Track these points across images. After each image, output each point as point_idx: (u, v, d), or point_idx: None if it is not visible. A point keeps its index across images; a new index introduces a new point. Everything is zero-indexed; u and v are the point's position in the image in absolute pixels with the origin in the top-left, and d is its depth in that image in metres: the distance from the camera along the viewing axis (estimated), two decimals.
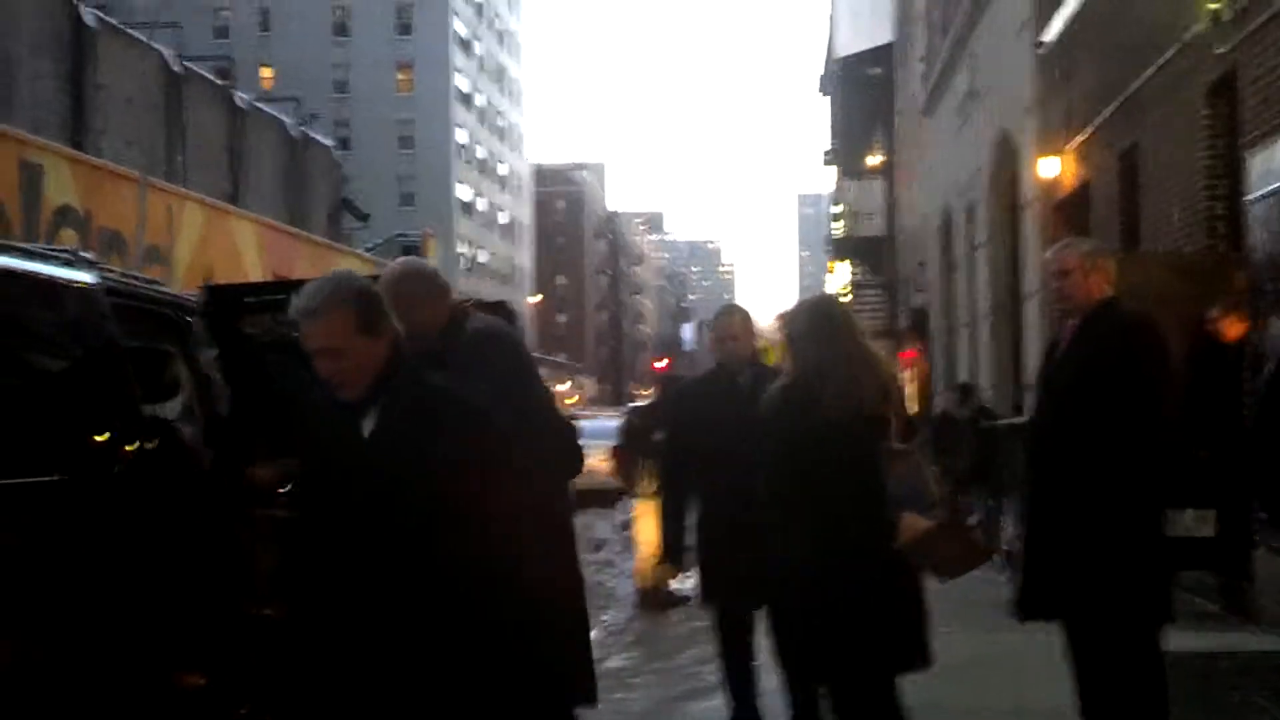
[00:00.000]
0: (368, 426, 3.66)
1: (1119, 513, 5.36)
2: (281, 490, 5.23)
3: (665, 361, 79.62)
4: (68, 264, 5.08)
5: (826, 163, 54.52)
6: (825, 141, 56.51)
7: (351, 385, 3.63)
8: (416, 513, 3.58)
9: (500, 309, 6.11)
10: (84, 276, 5.02)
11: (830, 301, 5.81)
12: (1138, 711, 5.39)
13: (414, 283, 4.93)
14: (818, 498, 4.90)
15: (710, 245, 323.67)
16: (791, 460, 4.96)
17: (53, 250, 5.31)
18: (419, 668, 3.56)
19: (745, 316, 6.53)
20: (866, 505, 4.84)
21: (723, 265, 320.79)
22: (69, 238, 19.39)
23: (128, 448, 4.82)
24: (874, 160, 41.34)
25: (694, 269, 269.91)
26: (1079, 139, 14.75)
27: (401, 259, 5.62)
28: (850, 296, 42.96)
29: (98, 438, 4.74)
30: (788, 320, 5.33)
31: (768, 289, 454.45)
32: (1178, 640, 5.68)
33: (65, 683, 4.22)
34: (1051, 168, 15.67)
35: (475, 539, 3.56)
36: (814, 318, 5.14)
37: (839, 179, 54.57)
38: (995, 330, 20.68)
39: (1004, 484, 13.85)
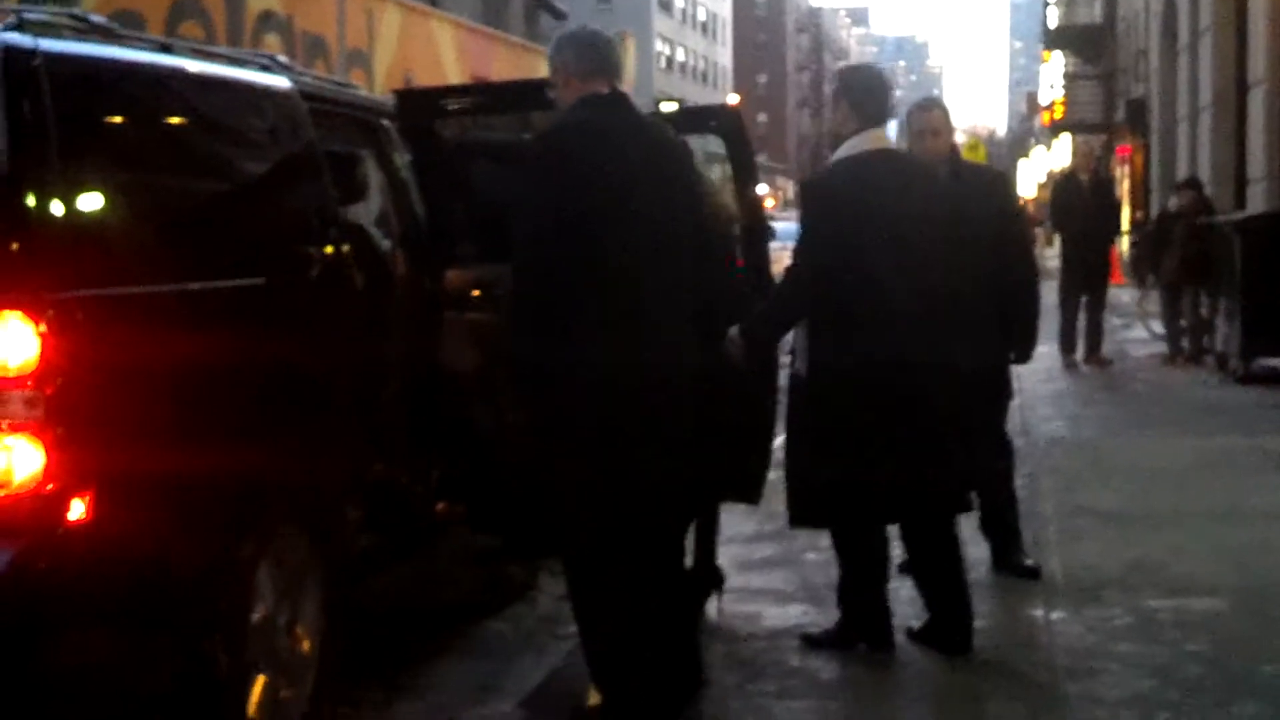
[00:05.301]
0: None
1: None
2: (475, 295, 5.26)
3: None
4: (264, 69, 5.10)
5: None
6: None
7: None
8: None
9: (723, 113, 6.13)
10: (280, 82, 5.04)
11: None
12: None
13: None
14: None
15: (917, 40, 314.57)
16: None
17: (250, 56, 5.33)
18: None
19: (944, 111, 6.30)
20: None
21: (930, 61, 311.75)
22: (272, 43, 19.62)
23: (325, 252, 4.87)
24: None
25: (899, 65, 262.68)
26: None
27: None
28: (1063, 90, 41.28)
29: (295, 242, 4.79)
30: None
31: (977, 85, 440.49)
32: None
33: (264, 477, 4.34)
34: None
35: None
36: None
37: None
38: (1217, 122, 19.68)
39: (1221, 284, 13.31)
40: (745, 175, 5.92)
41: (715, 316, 4.91)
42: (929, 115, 6.22)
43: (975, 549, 6.47)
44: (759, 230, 6.02)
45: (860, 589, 5.40)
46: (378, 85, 22.29)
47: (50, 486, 3.48)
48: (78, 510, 3.52)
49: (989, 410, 6.33)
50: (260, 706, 4.28)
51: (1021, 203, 30.14)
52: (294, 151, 4.91)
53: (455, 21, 25.16)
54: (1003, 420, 6.49)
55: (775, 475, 5.77)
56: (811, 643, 5.44)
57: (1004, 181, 6.96)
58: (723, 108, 6.46)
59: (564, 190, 4.33)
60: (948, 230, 5.30)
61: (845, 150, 5.28)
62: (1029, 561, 6.32)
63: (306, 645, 4.62)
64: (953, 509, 5.37)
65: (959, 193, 6.02)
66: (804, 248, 5.19)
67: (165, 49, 4.61)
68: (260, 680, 4.30)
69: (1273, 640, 5.32)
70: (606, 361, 4.33)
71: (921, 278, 5.16)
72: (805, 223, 5.26)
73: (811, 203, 5.32)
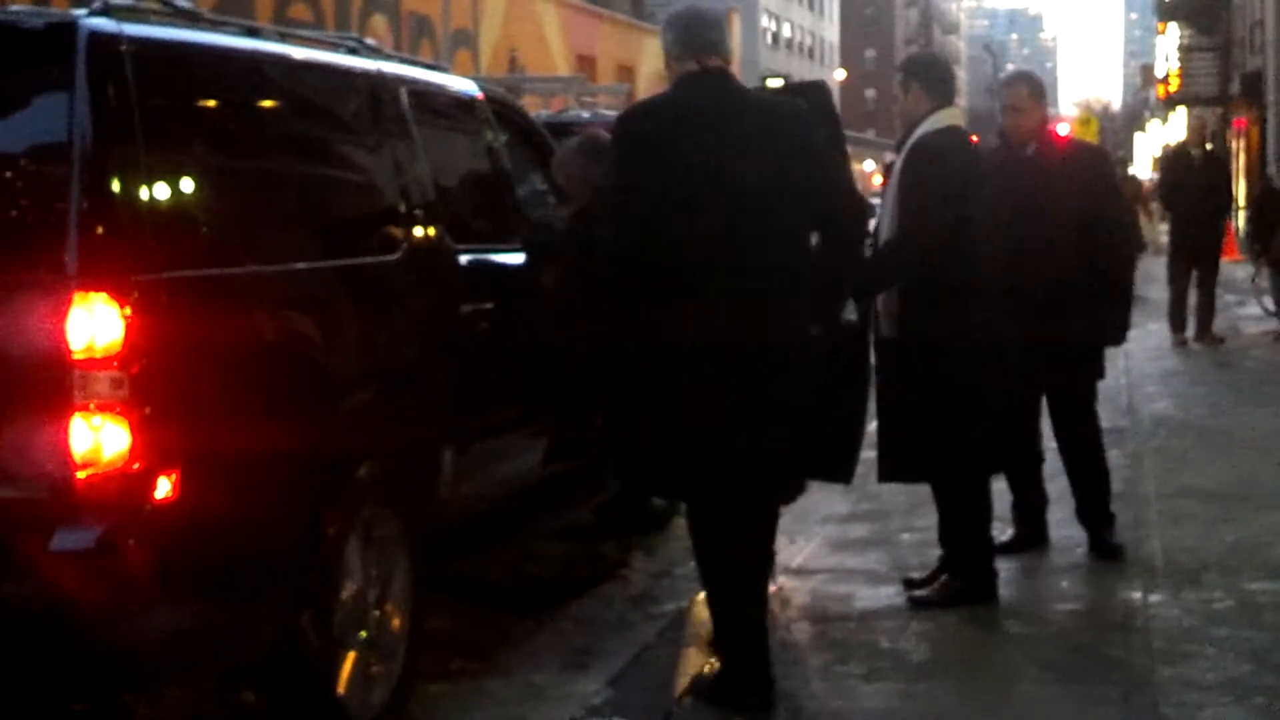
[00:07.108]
0: None
1: None
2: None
3: (974, 137, 76.55)
4: (351, 52, 5.14)
5: None
6: None
7: None
8: None
9: (813, 90, 6.12)
10: (365, 64, 5.07)
11: None
12: None
13: None
14: None
15: (1030, 13, 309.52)
16: None
17: (337, 39, 5.36)
18: None
19: (1031, 87, 6.23)
20: None
21: (1044, 33, 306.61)
22: (379, 24, 19.87)
23: (412, 232, 4.89)
24: None
25: (1012, 38, 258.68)
26: None
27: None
28: (1178, 63, 40.42)
29: (380, 224, 4.83)
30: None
31: (1091, 56, 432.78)
32: None
33: (349, 455, 4.38)
34: None
35: None
36: None
37: None
38: None
39: None
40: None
41: (838, 286, 5.13)
42: (1011, 91, 6.21)
43: (1075, 531, 6.39)
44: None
45: (969, 537, 5.61)
46: (483, 64, 22.48)
47: (136, 465, 3.54)
48: (164, 489, 3.58)
49: (1073, 385, 6.27)
50: (350, 682, 4.33)
51: (1132, 178, 29.52)
52: (379, 133, 4.93)
53: (560, 0, 25.19)
54: (1090, 398, 6.37)
55: (870, 454, 5.73)
56: (915, 600, 5.65)
57: (1100, 158, 6.85)
58: (811, 84, 6.41)
59: (642, 168, 4.43)
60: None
61: (926, 127, 5.45)
62: (1114, 540, 6.22)
63: (397, 622, 4.65)
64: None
65: (1045, 170, 6.03)
66: (930, 204, 5.31)
67: (251, 33, 4.66)
68: (350, 656, 4.35)
69: None
70: (683, 337, 4.42)
71: (992, 251, 5.49)
72: (928, 180, 5.34)
73: (929, 162, 5.39)
